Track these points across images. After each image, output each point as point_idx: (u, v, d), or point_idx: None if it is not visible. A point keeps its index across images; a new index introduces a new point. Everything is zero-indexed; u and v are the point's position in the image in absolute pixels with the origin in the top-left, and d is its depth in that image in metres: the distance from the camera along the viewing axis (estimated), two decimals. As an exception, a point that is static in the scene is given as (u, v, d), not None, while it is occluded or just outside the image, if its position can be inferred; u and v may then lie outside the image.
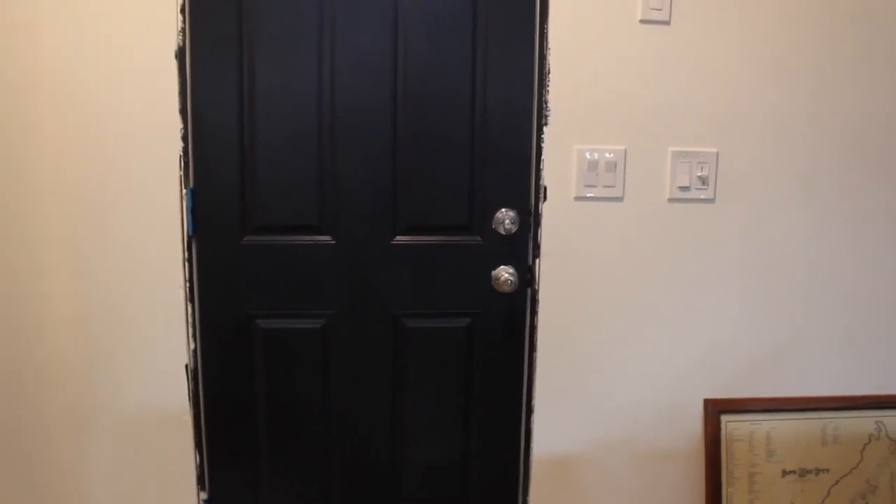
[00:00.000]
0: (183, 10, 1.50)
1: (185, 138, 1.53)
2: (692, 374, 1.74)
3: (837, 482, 1.79)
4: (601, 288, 1.68)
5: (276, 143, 1.56)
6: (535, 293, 1.66)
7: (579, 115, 1.61)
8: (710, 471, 1.75)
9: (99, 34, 1.48)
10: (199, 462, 1.64)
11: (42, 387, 1.57)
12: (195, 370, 1.62)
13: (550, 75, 1.58)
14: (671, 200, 1.66)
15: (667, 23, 1.60)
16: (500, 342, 1.68)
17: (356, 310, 1.63)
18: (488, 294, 1.65)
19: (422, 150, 1.60)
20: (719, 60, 1.63)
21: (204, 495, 1.66)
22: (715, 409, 1.75)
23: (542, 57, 1.58)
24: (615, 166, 1.63)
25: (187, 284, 1.57)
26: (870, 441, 1.80)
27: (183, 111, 1.52)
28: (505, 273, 1.62)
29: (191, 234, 1.56)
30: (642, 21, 1.59)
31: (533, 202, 1.63)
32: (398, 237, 1.62)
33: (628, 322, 1.70)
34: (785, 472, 1.78)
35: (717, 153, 1.66)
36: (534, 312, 1.66)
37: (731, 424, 1.76)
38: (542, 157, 1.61)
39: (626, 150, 1.63)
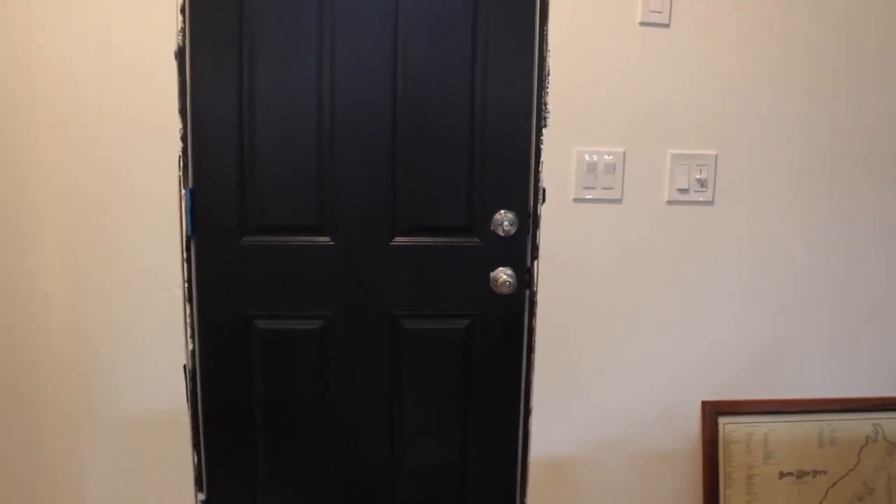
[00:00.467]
0: (183, 11, 1.50)
1: (184, 138, 1.53)
2: (690, 375, 1.75)
3: (835, 484, 1.80)
4: (599, 290, 1.68)
5: (276, 143, 1.56)
6: (533, 295, 1.66)
7: (579, 116, 1.61)
8: (708, 472, 1.75)
9: (97, 34, 1.47)
10: (197, 463, 1.64)
11: (39, 386, 1.57)
12: (193, 371, 1.61)
13: (550, 77, 1.58)
14: (670, 202, 1.67)
15: (666, 25, 1.60)
16: (499, 344, 1.68)
17: (354, 311, 1.63)
18: (487, 296, 1.65)
19: (421, 151, 1.60)
20: (719, 63, 1.63)
21: (202, 496, 1.66)
22: (713, 411, 1.75)
23: (542, 58, 1.58)
24: (614, 168, 1.63)
25: (186, 285, 1.57)
26: (867, 443, 1.80)
27: (182, 111, 1.52)
28: (503, 275, 1.62)
29: (189, 234, 1.56)
30: (642, 23, 1.59)
31: (532, 204, 1.63)
32: (397, 238, 1.62)
33: (627, 324, 1.70)
34: (782, 474, 1.78)
35: (716, 156, 1.66)
36: (532, 314, 1.67)
37: (729, 426, 1.76)
38: (542, 159, 1.61)
39: (625, 153, 1.63)
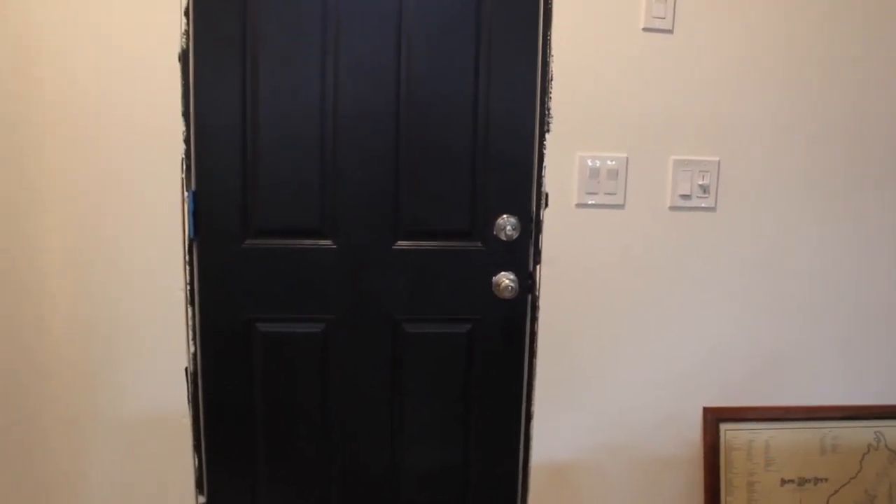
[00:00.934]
0: (187, 13, 1.50)
1: (187, 141, 1.53)
2: (692, 381, 1.74)
3: (836, 492, 1.79)
4: (601, 295, 1.68)
5: (279, 146, 1.56)
6: (535, 299, 1.66)
7: (581, 122, 1.61)
8: (709, 479, 1.75)
9: (101, 36, 1.48)
10: (198, 465, 1.64)
11: (41, 388, 1.57)
12: (195, 373, 1.61)
13: (553, 82, 1.58)
14: (672, 208, 1.67)
15: (670, 31, 1.60)
16: (500, 348, 1.68)
17: (356, 314, 1.63)
18: (489, 300, 1.65)
19: (424, 155, 1.60)
20: (722, 69, 1.63)
21: (202, 499, 1.65)
22: (714, 418, 1.75)
23: (545, 64, 1.59)
24: (617, 174, 1.63)
25: (188, 287, 1.57)
26: (868, 451, 1.80)
27: (185, 114, 1.52)
28: (506, 279, 1.62)
29: (192, 236, 1.56)
30: (645, 29, 1.59)
31: (534, 209, 1.63)
32: (399, 242, 1.62)
33: (628, 329, 1.70)
34: (784, 481, 1.78)
35: (719, 162, 1.66)
36: (534, 319, 1.66)
37: (730, 433, 1.75)
38: (544, 164, 1.61)
39: (627, 158, 1.63)
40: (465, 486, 1.74)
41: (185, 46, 1.51)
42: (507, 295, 1.62)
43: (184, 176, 1.54)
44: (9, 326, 1.54)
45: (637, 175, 1.64)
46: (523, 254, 1.65)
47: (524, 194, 1.62)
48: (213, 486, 1.66)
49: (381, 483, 1.71)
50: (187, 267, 1.56)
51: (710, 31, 1.62)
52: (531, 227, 1.64)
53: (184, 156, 1.53)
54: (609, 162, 1.62)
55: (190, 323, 1.58)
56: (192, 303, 1.58)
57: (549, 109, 1.59)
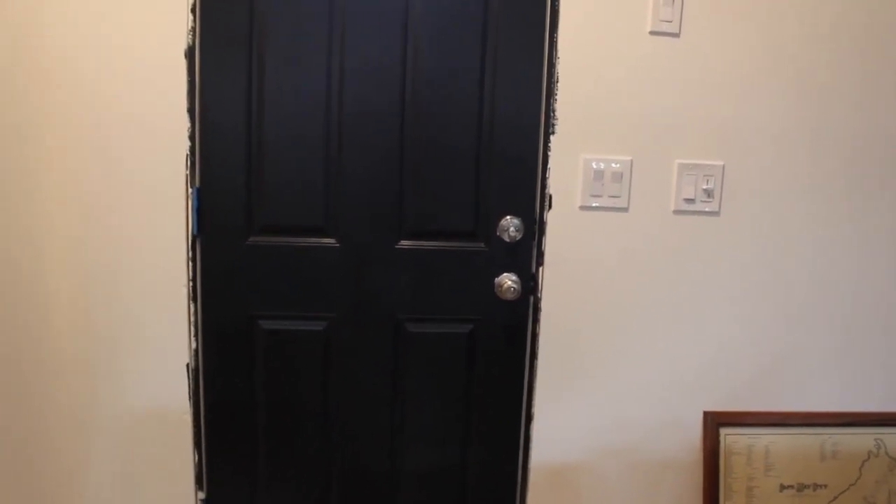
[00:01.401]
0: (194, 10, 1.50)
1: (192, 137, 1.53)
2: (693, 385, 1.74)
3: (835, 498, 1.79)
4: (604, 297, 1.68)
5: (283, 144, 1.56)
6: (537, 301, 1.66)
7: (587, 124, 1.61)
8: (708, 483, 1.75)
9: (107, 32, 1.48)
10: (198, 462, 1.64)
11: (43, 384, 1.57)
12: (196, 370, 1.62)
13: (559, 84, 1.58)
14: (676, 212, 1.66)
15: (676, 35, 1.60)
16: (502, 349, 1.68)
17: (359, 313, 1.63)
18: (491, 301, 1.65)
19: (428, 155, 1.60)
20: (728, 73, 1.63)
21: (202, 495, 1.66)
22: (714, 422, 1.75)
23: (551, 66, 1.59)
24: (621, 177, 1.63)
25: (190, 283, 1.57)
26: (868, 458, 1.80)
27: (191, 110, 1.52)
28: (508, 280, 1.62)
29: (195, 233, 1.56)
30: (652, 32, 1.59)
31: (538, 210, 1.63)
32: (402, 241, 1.62)
33: (630, 332, 1.70)
34: (783, 487, 1.78)
35: (724, 166, 1.66)
36: (536, 320, 1.66)
37: (730, 437, 1.75)
38: (549, 166, 1.61)
39: (632, 161, 1.63)
40: (465, 487, 1.74)
41: (191, 43, 1.51)
42: (510, 296, 1.62)
43: (188, 172, 1.54)
44: (11, 322, 1.54)
45: (641, 178, 1.64)
46: (526, 255, 1.65)
47: (528, 196, 1.62)
48: (213, 482, 1.66)
49: (380, 482, 1.71)
50: (190, 263, 1.57)
51: (717, 36, 1.61)
52: (534, 228, 1.64)
53: (188, 152, 1.53)
54: (613, 164, 1.62)
55: (192, 319, 1.59)
56: (194, 299, 1.58)
57: (554, 111, 1.59)
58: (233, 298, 1.60)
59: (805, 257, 1.72)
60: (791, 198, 1.70)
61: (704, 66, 1.62)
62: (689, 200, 1.66)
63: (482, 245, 1.64)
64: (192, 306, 1.58)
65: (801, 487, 1.78)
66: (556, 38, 1.57)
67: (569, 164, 1.62)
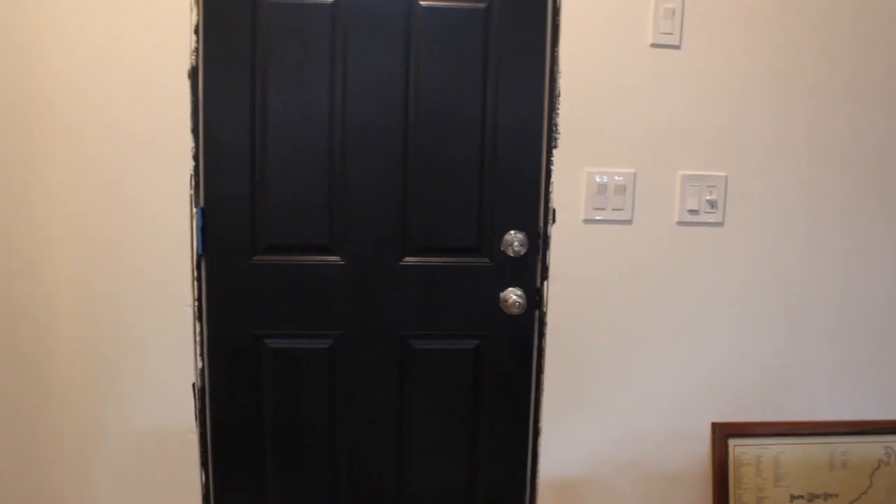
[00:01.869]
0: (197, 31, 1.51)
1: (196, 157, 1.54)
2: (700, 397, 1.74)
3: (846, 508, 1.78)
4: (609, 311, 1.67)
5: (287, 163, 1.57)
6: (543, 315, 1.65)
7: (589, 137, 1.61)
8: (718, 494, 1.74)
9: (111, 53, 1.49)
10: (205, 481, 1.64)
11: (49, 405, 1.57)
12: (202, 389, 1.61)
13: (560, 98, 1.59)
14: (680, 224, 1.66)
15: (677, 47, 1.61)
16: (508, 364, 1.68)
17: (364, 330, 1.63)
18: (496, 316, 1.65)
19: (432, 171, 1.60)
20: (729, 85, 1.63)
21: (209, 515, 1.65)
22: (723, 433, 1.74)
23: (553, 80, 1.59)
24: (624, 189, 1.63)
25: (196, 303, 1.57)
26: (879, 466, 1.79)
27: (195, 130, 1.53)
28: (513, 295, 1.62)
29: (200, 252, 1.57)
30: (653, 45, 1.60)
31: (542, 224, 1.63)
32: (407, 258, 1.62)
33: (636, 345, 1.70)
34: (793, 497, 1.76)
35: (727, 177, 1.66)
36: (542, 335, 1.66)
37: (739, 448, 1.75)
38: (552, 180, 1.61)
39: (635, 174, 1.63)
40: (473, 503, 1.73)
41: (194, 64, 1.51)
42: (515, 311, 1.62)
43: (192, 192, 1.54)
44: (16, 342, 1.54)
45: (645, 190, 1.64)
46: (531, 270, 1.64)
47: (532, 210, 1.62)
48: (220, 502, 1.66)
49: (388, 499, 1.71)
50: (195, 283, 1.57)
51: (718, 47, 1.62)
52: (539, 242, 1.64)
53: (192, 172, 1.54)
54: (617, 177, 1.62)
55: (198, 339, 1.59)
56: (200, 318, 1.58)
57: (556, 125, 1.59)
58: (238, 317, 1.60)
59: (811, 266, 1.72)
60: (795, 207, 1.69)
61: (705, 78, 1.62)
62: (693, 212, 1.66)
63: (487, 260, 1.63)
64: (197, 326, 1.58)
65: (812, 497, 1.77)
66: (558, 52, 1.58)
67: (572, 178, 1.62)
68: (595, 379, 1.70)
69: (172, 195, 1.54)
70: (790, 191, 1.69)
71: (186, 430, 1.61)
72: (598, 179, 1.62)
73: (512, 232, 1.62)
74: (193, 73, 1.52)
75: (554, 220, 1.62)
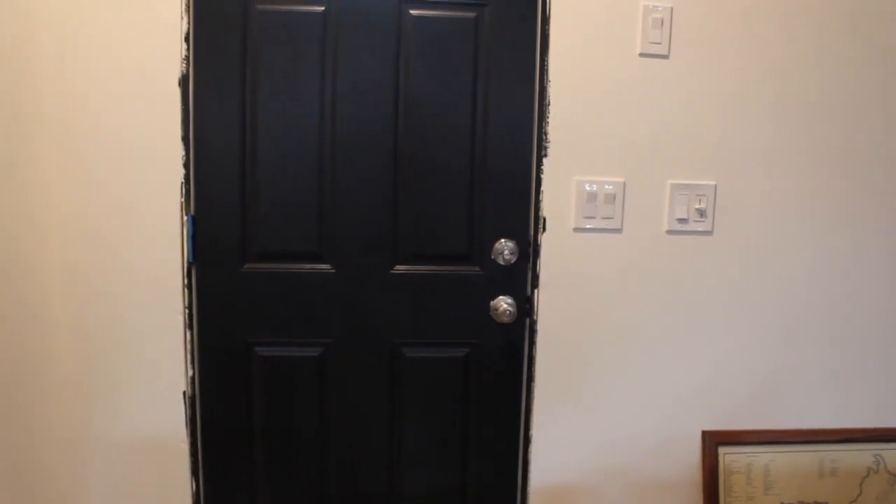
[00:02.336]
0: (187, 39, 1.51)
1: (186, 165, 1.54)
2: (690, 405, 1.74)
3: (836, 516, 1.78)
4: (599, 319, 1.68)
5: (278, 171, 1.57)
6: (533, 323, 1.66)
7: (579, 146, 1.62)
8: (708, 503, 1.74)
9: (101, 61, 1.49)
10: (196, 490, 1.63)
11: (39, 412, 1.56)
12: (193, 397, 1.61)
13: (550, 107, 1.59)
14: (669, 232, 1.67)
15: (665, 56, 1.61)
16: (499, 372, 1.68)
17: (355, 338, 1.63)
18: (487, 324, 1.65)
19: (422, 179, 1.60)
20: (718, 94, 1.64)
21: (199, 523, 1.65)
22: (713, 441, 1.74)
23: (543, 89, 1.60)
24: (614, 198, 1.63)
25: (186, 311, 1.57)
26: (868, 474, 1.79)
27: (185, 138, 1.53)
28: (504, 303, 1.62)
29: (191, 260, 1.57)
30: (641, 55, 1.61)
31: (532, 233, 1.64)
32: (398, 266, 1.62)
33: (626, 353, 1.70)
34: (783, 505, 1.77)
35: (716, 186, 1.67)
36: (532, 343, 1.66)
37: (729, 456, 1.75)
38: (542, 188, 1.61)
39: (625, 182, 1.64)
40: (464, 511, 1.73)
41: (185, 72, 1.52)
42: (506, 319, 1.62)
43: (183, 200, 1.54)
44: (7, 350, 1.54)
45: (634, 199, 1.65)
46: (521, 278, 1.65)
47: (522, 218, 1.63)
48: (211, 510, 1.66)
49: (378, 507, 1.71)
50: (186, 291, 1.57)
51: (706, 57, 1.63)
52: (529, 251, 1.64)
53: (183, 180, 1.54)
54: (606, 186, 1.63)
55: (188, 346, 1.59)
56: (190, 327, 1.58)
57: (546, 134, 1.60)
58: (229, 325, 1.60)
59: (799, 274, 1.73)
60: (784, 216, 1.70)
61: (694, 87, 1.63)
62: (682, 220, 1.66)
63: (477, 268, 1.64)
64: (188, 334, 1.58)
65: (802, 505, 1.78)
66: (547, 61, 1.59)
67: (562, 187, 1.62)
68: (585, 387, 1.70)
69: (163, 203, 1.54)
70: (780, 200, 1.70)
71: (177, 439, 1.61)
72: (587, 188, 1.63)
73: (502, 240, 1.62)
74: (184, 81, 1.52)
75: (544, 229, 1.63)
